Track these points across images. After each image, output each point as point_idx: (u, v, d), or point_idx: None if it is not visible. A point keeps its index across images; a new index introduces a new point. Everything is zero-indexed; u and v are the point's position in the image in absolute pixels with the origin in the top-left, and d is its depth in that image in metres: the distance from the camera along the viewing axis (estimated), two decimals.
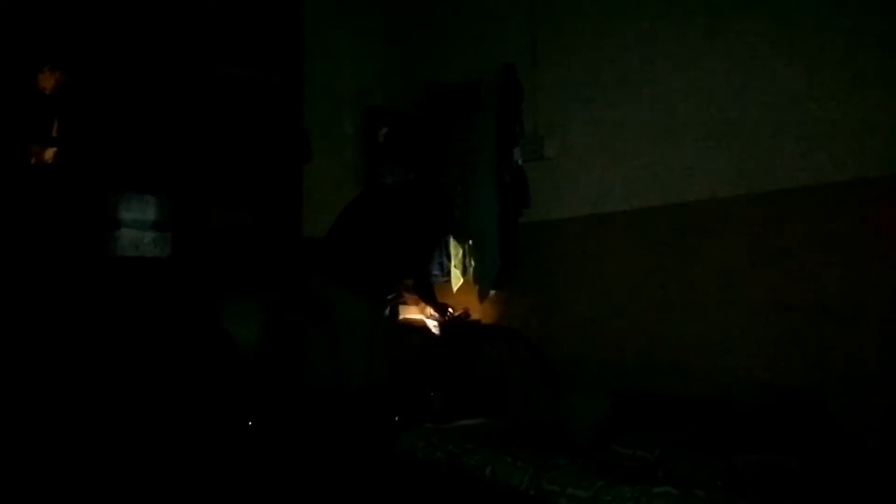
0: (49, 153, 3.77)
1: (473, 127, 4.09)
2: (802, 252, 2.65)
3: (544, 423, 2.85)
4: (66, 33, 3.87)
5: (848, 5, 2.58)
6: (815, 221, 2.62)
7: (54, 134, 3.79)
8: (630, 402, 2.64)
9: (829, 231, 2.58)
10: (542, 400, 3.39)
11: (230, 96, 4.44)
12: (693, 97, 3.06)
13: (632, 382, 3.02)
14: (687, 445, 2.25)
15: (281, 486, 3.10)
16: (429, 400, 3.65)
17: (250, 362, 3.73)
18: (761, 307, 2.76)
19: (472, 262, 4.10)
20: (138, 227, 4.14)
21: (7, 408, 3.25)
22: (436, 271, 4.20)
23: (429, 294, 3.69)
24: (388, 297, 3.63)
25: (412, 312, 3.98)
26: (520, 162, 3.84)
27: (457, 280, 4.20)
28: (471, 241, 4.12)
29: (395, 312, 4.07)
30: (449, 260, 4.25)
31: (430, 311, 3.74)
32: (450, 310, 3.77)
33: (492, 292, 3.96)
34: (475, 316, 3.95)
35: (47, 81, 3.76)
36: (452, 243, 4.23)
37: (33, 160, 3.74)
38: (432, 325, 3.77)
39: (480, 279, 4.01)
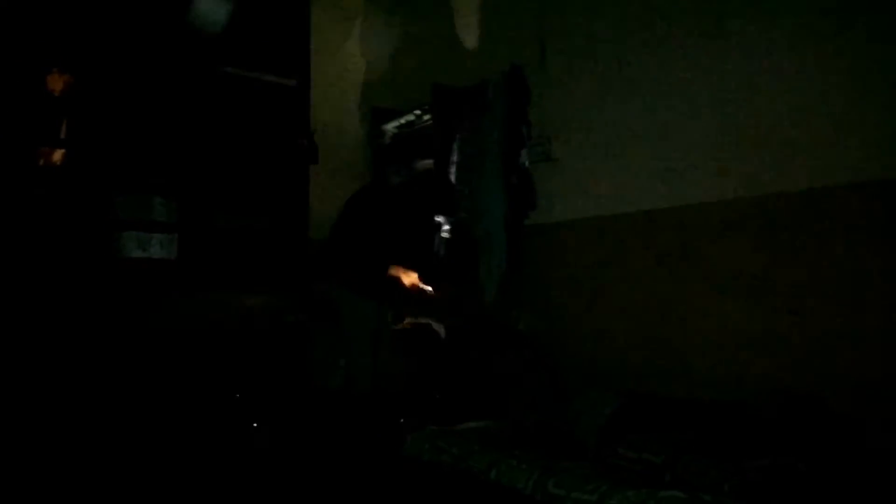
0: (57, 155, 3.79)
1: (480, 128, 4.07)
2: (809, 255, 2.63)
3: (550, 426, 2.84)
4: (74, 36, 3.89)
5: (856, 6, 2.56)
6: (822, 224, 2.60)
7: (62, 136, 3.82)
8: (636, 405, 2.63)
9: (835, 234, 2.56)
10: (547, 403, 3.37)
11: (237, 98, 4.45)
12: (702, 99, 3.04)
13: (637, 385, 3.01)
14: (693, 449, 2.24)
15: (287, 487, 3.10)
16: (435, 402, 3.65)
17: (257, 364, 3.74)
18: (767, 310, 2.74)
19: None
20: (145, 228, 4.16)
21: (15, 406, 3.27)
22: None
23: (429, 273, 3.66)
24: (395, 299, 3.63)
25: (418, 315, 3.98)
26: (527, 164, 3.83)
27: None
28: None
29: (402, 315, 4.06)
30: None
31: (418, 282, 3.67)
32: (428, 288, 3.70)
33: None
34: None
35: (56, 83, 3.79)
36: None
37: (42, 162, 3.76)
38: (439, 327, 3.77)
39: (486, 281, 4.00)
